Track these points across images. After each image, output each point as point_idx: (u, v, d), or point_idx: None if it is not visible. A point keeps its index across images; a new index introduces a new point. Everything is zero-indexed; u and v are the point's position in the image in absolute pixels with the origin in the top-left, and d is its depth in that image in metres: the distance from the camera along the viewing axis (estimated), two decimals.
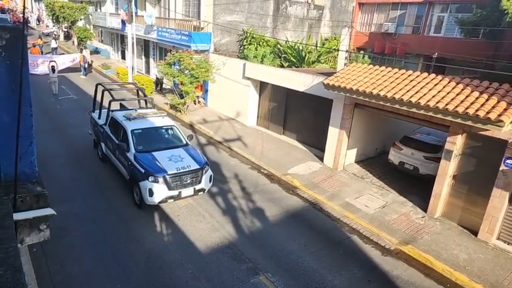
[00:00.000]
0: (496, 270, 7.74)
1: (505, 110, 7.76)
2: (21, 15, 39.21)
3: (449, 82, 9.28)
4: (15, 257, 1.92)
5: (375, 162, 13.21)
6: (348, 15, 24.50)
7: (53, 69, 19.12)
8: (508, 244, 8.51)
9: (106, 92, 11.73)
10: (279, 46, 19.99)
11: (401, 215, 9.70)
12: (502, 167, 8.21)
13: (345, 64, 12.27)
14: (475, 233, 8.92)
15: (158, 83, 21.31)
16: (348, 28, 13.06)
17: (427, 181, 10.63)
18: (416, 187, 11.17)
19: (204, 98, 19.23)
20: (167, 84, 20.08)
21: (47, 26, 42.58)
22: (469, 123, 8.12)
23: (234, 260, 7.60)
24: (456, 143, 9.01)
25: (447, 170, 9.29)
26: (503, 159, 8.18)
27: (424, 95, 8.96)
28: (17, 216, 2.69)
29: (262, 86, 16.16)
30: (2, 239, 2.08)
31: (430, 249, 8.27)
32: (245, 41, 19.59)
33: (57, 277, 6.70)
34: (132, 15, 21.08)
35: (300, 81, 13.35)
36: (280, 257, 7.80)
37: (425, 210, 9.88)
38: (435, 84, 9.32)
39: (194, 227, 8.60)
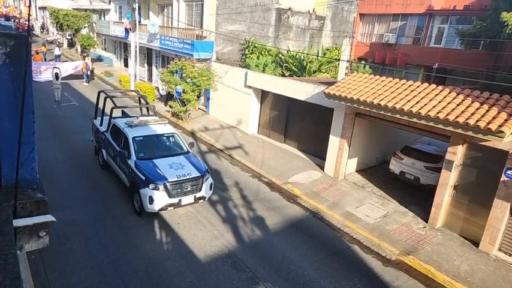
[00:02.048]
0: (498, 282, 7.67)
1: (506, 120, 7.77)
2: (25, 23, 39.63)
3: (449, 92, 9.31)
4: (14, 264, 1.91)
5: (375, 171, 13.19)
6: (349, 26, 24.68)
7: (56, 76, 19.23)
8: (509, 256, 8.44)
9: (108, 99, 11.78)
10: (280, 55, 20.11)
11: (402, 225, 9.65)
12: (503, 178, 8.19)
13: (346, 74, 12.33)
14: (476, 244, 8.87)
15: (167, 98, 19.59)
16: (349, 38, 13.15)
17: (428, 191, 10.61)
18: (417, 197, 11.13)
19: (206, 106, 19.30)
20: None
21: (52, 34, 42.97)
22: (470, 133, 8.12)
23: (233, 269, 7.55)
24: (457, 153, 9.00)
25: (448, 180, 9.27)
26: (504, 170, 8.16)
27: (425, 105, 8.98)
28: (17, 222, 2.69)
29: (263, 95, 16.23)
30: (1, 245, 2.08)
31: (431, 260, 8.21)
32: (247, 50, 19.72)
33: (55, 285, 6.65)
34: (135, 24, 21.26)
35: (301, 90, 13.41)
36: (281, 267, 7.75)
37: (426, 220, 9.83)
38: (436, 95, 9.35)
39: (194, 235, 8.56)
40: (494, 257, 8.48)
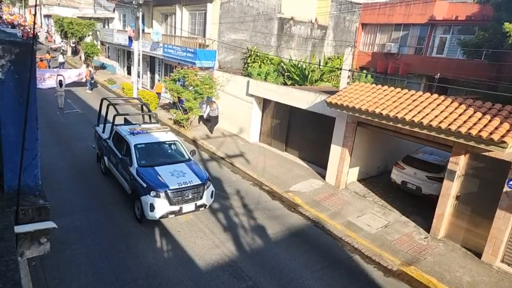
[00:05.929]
0: None
1: (508, 131, 7.75)
2: (30, 30, 40.02)
3: (451, 102, 9.32)
4: (14, 271, 1.92)
5: (377, 181, 13.14)
6: (351, 35, 24.84)
7: (60, 83, 19.37)
8: None
9: (111, 107, 11.85)
10: (282, 64, 20.22)
11: (403, 235, 9.59)
12: (506, 189, 8.15)
13: (348, 83, 12.38)
14: (478, 255, 8.79)
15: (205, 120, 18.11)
16: (351, 48, 13.23)
17: (430, 201, 10.55)
18: (419, 207, 11.07)
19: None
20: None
21: (54, 41, 43.39)
22: (472, 143, 8.11)
23: (234, 277, 7.50)
24: (459, 164, 8.98)
25: (450, 190, 9.23)
26: (507, 180, 8.13)
27: (427, 114, 8.98)
28: (18, 229, 2.69)
29: (265, 103, 16.28)
30: (2, 251, 2.08)
31: (433, 271, 8.14)
32: (249, 58, 19.85)
33: None
34: (139, 32, 21.47)
35: (302, 99, 13.45)
36: (281, 276, 7.69)
37: (428, 230, 9.77)
38: (438, 104, 9.36)
39: (194, 243, 8.53)
40: (497, 268, 8.41)
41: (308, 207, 10.72)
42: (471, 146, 8.29)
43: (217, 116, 17.41)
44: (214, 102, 17.18)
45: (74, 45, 38.28)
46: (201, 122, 18.74)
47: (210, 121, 17.46)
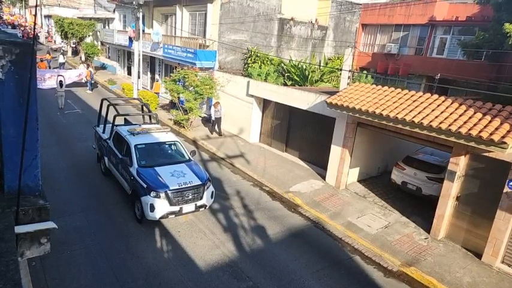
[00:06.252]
0: None
1: (509, 131, 7.75)
2: (30, 31, 40.02)
3: (452, 103, 9.32)
4: (14, 271, 1.92)
5: (377, 181, 13.14)
6: (351, 36, 24.85)
7: (60, 83, 19.38)
8: None
9: (111, 107, 11.85)
10: (282, 65, 20.23)
11: (404, 236, 9.58)
12: (506, 189, 8.15)
13: (348, 83, 12.38)
14: (479, 255, 8.78)
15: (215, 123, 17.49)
16: (351, 48, 13.23)
17: (430, 202, 10.55)
18: (419, 207, 11.07)
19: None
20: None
21: (55, 42, 43.40)
22: (472, 144, 8.11)
23: (234, 278, 7.50)
24: (459, 164, 8.98)
25: (450, 191, 9.22)
26: (507, 181, 8.12)
27: (427, 115, 8.98)
28: (19, 229, 2.69)
29: (265, 104, 16.28)
30: (3, 252, 2.08)
31: (433, 272, 8.13)
32: (249, 59, 19.85)
33: None
34: (139, 33, 21.48)
35: (303, 99, 13.45)
36: (281, 277, 7.69)
37: (428, 231, 9.76)
38: (438, 105, 9.35)
39: (194, 244, 8.53)
40: (497, 269, 8.40)
41: (308, 208, 10.72)
42: (471, 146, 8.28)
43: (220, 117, 17.36)
44: (218, 103, 17.13)
45: (74, 45, 38.30)
46: (206, 125, 18.66)
47: (213, 122, 17.43)
